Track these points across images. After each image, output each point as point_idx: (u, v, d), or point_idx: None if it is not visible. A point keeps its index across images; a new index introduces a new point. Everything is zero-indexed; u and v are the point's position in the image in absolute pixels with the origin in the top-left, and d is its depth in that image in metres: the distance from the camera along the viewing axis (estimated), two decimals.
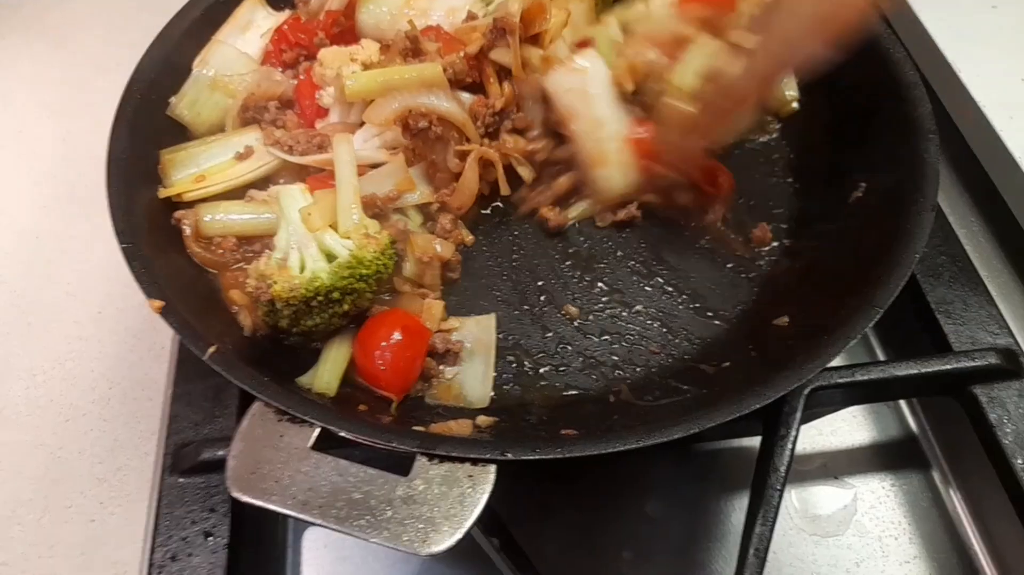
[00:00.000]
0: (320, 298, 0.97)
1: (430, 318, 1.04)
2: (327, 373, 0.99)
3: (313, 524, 0.82)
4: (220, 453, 1.04)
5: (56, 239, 1.41)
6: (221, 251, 1.07)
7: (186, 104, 1.16)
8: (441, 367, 1.04)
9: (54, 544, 1.12)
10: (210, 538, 1.02)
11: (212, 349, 0.91)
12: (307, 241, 1.00)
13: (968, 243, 1.23)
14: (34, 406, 1.23)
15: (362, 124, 1.13)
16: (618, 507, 1.20)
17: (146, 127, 1.12)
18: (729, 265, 1.14)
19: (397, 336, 0.99)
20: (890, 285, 0.92)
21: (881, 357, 1.29)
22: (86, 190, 1.46)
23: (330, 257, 1.00)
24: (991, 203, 1.30)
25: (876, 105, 1.13)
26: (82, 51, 1.71)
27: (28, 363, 1.26)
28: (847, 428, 1.25)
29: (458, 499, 0.82)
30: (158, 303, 0.93)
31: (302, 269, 0.99)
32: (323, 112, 1.17)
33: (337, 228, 1.02)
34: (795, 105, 1.25)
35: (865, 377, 1.05)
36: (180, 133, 1.17)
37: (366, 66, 1.12)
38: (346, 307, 1.00)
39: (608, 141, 1.13)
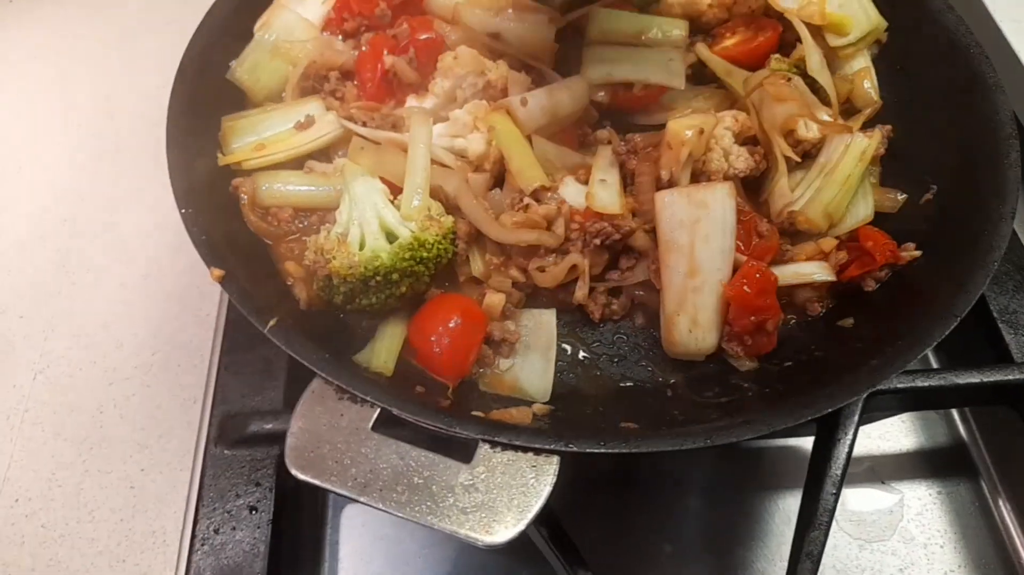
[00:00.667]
0: (379, 278, 0.95)
1: (490, 311, 1.01)
2: (384, 351, 0.97)
3: (373, 507, 0.80)
4: (268, 426, 1.03)
5: (100, 200, 1.39)
6: (277, 222, 1.05)
7: (246, 69, 1.13)
8: (496, 357, 1.02)
9: (94, 509, 1.11)
10: (255, 512, 1.01)
11: (272, 322, 0.89)
12: (369, 218, 0.98)
13: None
14: (76, 367, 1.21)
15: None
16: (659, 500, 1.19)
17: (205, 91, 1.09)
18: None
19: (456, 321, 0.97)
20: (968, 293, 0.90)
21: (934, 364, 1.26)
22: (130, 151, 1.44)
23: (391, 236, 0.98)
24: None
25: (953, 107, 1.09)
26: (126, 9, 1.69)
27: (72, 324, 1.25)
28: (896, 432, 1.23)
29: (521, 489, 0.81)
30: (218, 272, 0.92)
31: (362, 246, 0.96)
32: (383, 90, 1.14)
33: (394, 203, 1.01)
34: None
35: (925, 383, 1.03)
36: (238, 99, 1.15)
37: (494, 91, 1.09)
38: (403, 289, 0.98)
39: (697, 292, 0.98)
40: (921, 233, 1.05)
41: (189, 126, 1.04)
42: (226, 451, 1.04)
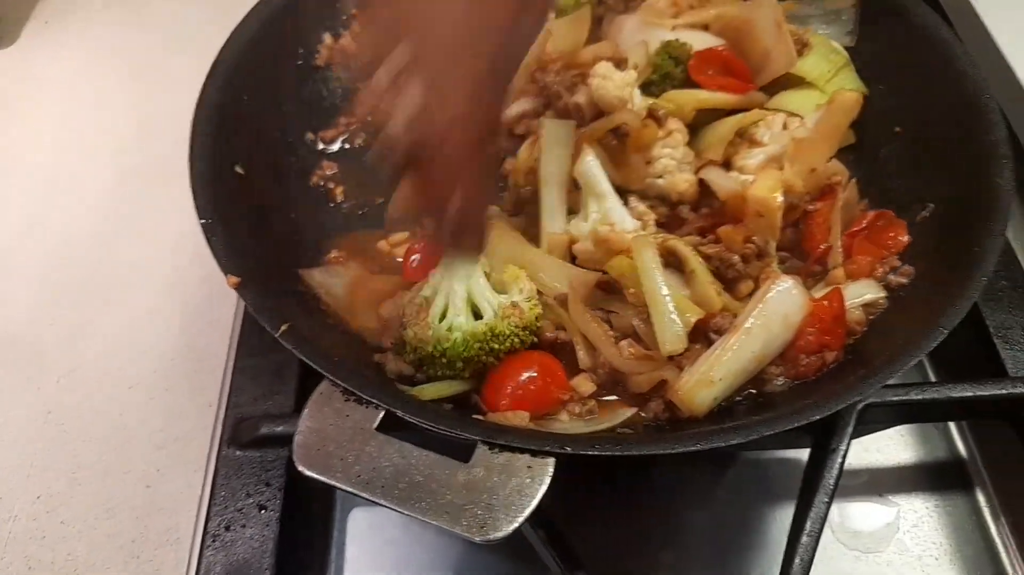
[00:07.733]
0: (444, 360, 0.96)
1: (579, 390, 1.01)
2: (431, 391, 0.99)
3: (375, 503, 0.84)
4: (279, 429, 1.06)
5: (129, 213, 1.46)
6: None
7: None
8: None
9: (112, 507, 1.15)
10: (263, 511, 1.04)
11: (284, 327, 0.93)
12: (458, 288, 0.98)
13: None
14: (101, 372, 1.27)
15: None
16: (658, 508, 1.21)
17: (231, 105, 1.14)
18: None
19: (532, 376, 0.98)
20: (957, 307, 0.92)
21: (932, 377, 1.28)
22: (159, 166, 1.49)
23: (474, 311, 0.98)
24: None
25: (949, 128, 1.12)
26: (159, 28, 1.76)
27: (99, 331, 1.31)
28: (893, 445, 1.25)
29: (516, 489, 0.84)
30: (234, 279, 0.96)
31: (442, 317, 0.97)
32: None
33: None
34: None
35: (920, 397, 1.05)
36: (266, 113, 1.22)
37: None
38: (467, 373, 0.99)
39: None
40: (918, 249, 1.08)
41: (213, 139, 1.09)
42: (238, 452, 1.08)
